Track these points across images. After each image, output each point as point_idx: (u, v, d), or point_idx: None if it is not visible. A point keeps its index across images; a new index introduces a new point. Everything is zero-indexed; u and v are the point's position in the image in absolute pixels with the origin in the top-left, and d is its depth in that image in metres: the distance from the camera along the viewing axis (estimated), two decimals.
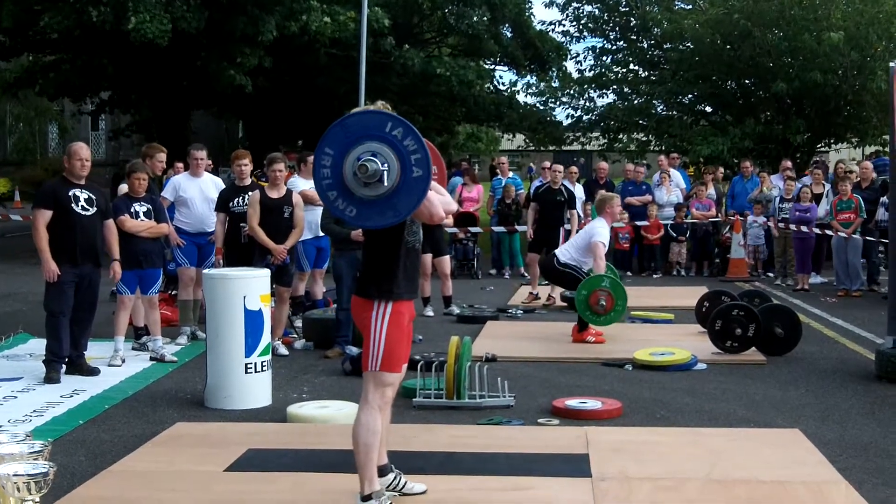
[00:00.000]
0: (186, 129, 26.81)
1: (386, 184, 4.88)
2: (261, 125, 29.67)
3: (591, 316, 10.66)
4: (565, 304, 13.56)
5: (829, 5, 22.29)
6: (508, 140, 35.98)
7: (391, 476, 5.56)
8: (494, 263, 18.85)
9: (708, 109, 26.82)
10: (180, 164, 12.65)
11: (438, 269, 12.68)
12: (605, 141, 27.37)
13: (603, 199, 11.64)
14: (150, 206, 9.99)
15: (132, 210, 9.86)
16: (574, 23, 28.25)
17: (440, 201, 5.40)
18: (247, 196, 10.43)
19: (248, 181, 10.81)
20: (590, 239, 11.17)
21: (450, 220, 11.10)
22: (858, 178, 16.17)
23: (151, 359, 9.96)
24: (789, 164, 19.18)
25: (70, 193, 8.93)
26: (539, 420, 7.60)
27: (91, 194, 9.06)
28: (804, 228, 15.70)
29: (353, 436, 5.22)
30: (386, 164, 4.87)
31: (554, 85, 29.10)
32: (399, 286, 5.24)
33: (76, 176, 9.03)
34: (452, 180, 18.61)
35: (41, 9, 20.92)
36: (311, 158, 12.66)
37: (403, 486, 5.58)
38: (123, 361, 9.73)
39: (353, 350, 9.72)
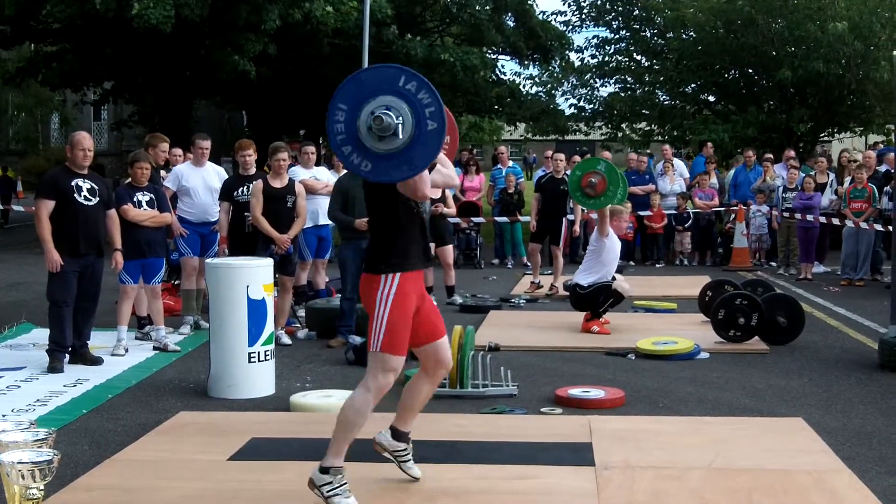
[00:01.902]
0: (189, 119, 26.80)
1: (401, 137, 4.86)
2: (264, 115, 29.62)
3: (581, 197, 10.58)
4: (568, 293, 13.55)
5: None
6: (509, 132, 35.97)
7: (403, 445, 5.61)
8: (497, 253, 18.85)
9: (711, 98, 26.80)
10: (179, 151, 12.59)
11: (441, 259, 12.69)
12: (608, 131, 27.36)
13: (612, 210, 11.55)
14: (152, 196, 9.99)
15: (135, 199, 9.86)
16: (576, 12, 28.22)
17: (443, 175, 5.44)
18: (251, 185, 10.43)
19: (252, 171, 10.81)
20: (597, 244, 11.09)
21: (453, 210, 11.14)
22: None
23: (155, 348, 9.97)
24: (792, 153, 19.16)
25: (72, 183, 8.92)
26: (542, 409, 7.60)
27: (93, 184, 9.06)
28: (809, 217, 15.68)
29: (341, 413, 5.25)
30: (400, 118, 4.85)
31: (556, 74, 29.08)
32: (408, 257, 5.25)
33: (78, 166, 9.02)
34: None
35: None
36: (310, 148, 12.76)
37: (407, 461, 5.63)
38: (127, 351, 9.74)
39: (357, 339, 9.73)
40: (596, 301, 10.86)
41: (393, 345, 5.19)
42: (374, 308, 5.21)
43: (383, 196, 5.22)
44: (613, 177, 10.65)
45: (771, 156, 19.03)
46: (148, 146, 11.28)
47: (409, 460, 5.65)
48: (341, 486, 5.21)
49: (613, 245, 11.09)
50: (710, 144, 20.46)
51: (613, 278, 10.95)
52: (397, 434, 5.61)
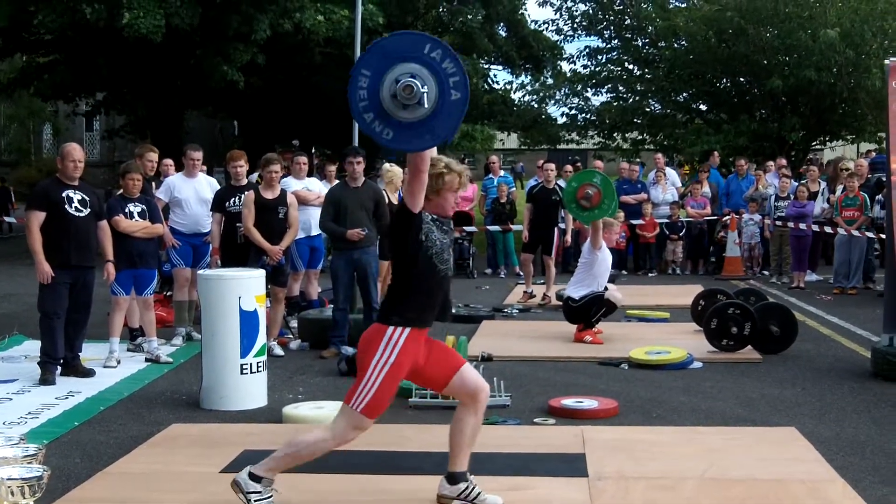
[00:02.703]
0: (181, 129, 26.81)
1: (426, 106, 4.78)
2: (255, 124, 29.67)
3: (576, 209, 10.59)
4: (561, 303, 13.56)
5: (825, 3, 22.32)
6: (501, 141, 36.01)
7: (463, 485, 5.40)
8: (489, 263, 18.85)
9: (703, 107, 26.86)
10: (169, 161, 12.55)
11: None
12: (600, 140, 27.39)
13: (605, 223, 11.56)
14: (144, 207, 9.97)
15: (126, 210, 9.84)
16: (568, 21, 28.29)
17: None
18: (242, 196, 10.42)
19: (243, 182, 10.80)
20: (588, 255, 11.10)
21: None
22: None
23: (147, 360, 9.94)
24: (784, 162, 19.20)
25: (63, 194, 8.90)
26: (535, 419, 7.59)
27: (84, 195, 9.04)
28: (801, 226, 15.70)
29: (297, 438, 5.28)
30: (426, 87, 4.77)
31: (548, 83, 29.13)
32: (426, 314, 5.18)
33: (69, 177, 9.00)
34: None
35: (35, 9, 20.91)
36: (302, 158, 12.76)
37: (477, 497, 5.41)
38: (119, 362, 9.71)
39: (349, 350, 9.71)
40: (588, 312, 10.85)
41: (373, 411, 5.13)
42: (370, 366, 5.09)
43: (408, 250, 5.12)
44: (609, 190, 10.69)
45: (772, 163, 19.05)
46: (137, 157, 11.27)
47: (480, 493, 5.42)
48: (268, 498, 5.25)
49: (605, 257, 11.09)
50: (716, 154, 20.47)
51: (606, 288, 10.94)
52: (454, 478, 5.40)
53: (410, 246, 5.10)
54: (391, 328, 5.11)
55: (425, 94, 4.75)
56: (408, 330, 5.11)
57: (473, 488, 5.41)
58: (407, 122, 4.83)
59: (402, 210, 5.11)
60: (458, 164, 5.26)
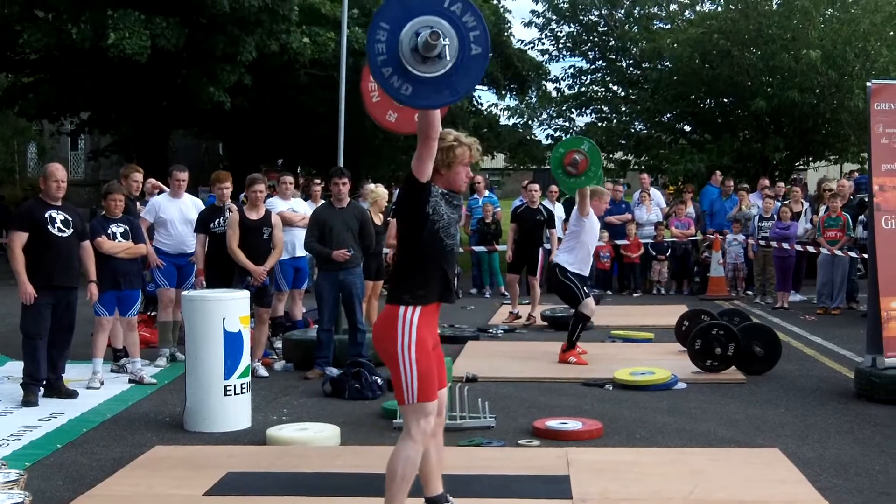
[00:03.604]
0: (166, 149, 26.77)
1: (447, 59, 4.67)
2: (241, 145, 29.64)
3: (563, 175, 10.54)
4: (546, 323, 13.58)
5: (807, 24, 22.46)
6: (485, 160, 35.99)
7: None
8: (475, 282, 18.86)
9: (687, 128, 26.96)
10: (152, 181, 12.47)
11: None
12: None
13: (593, 191, 11.63)
14: (127, 227, 9.95)
15: (109, 231, 9.83)
16: (553, 42, 28.39)
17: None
18: (226, 216, 10.42)
19: (228, 203, 10.80)
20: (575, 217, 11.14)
21: None
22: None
23: (130, 381, 9.91)
24: (767, 182, 19.28)
25: (46, 215, 8.90)
26: (520, 441, 7.58)
27: (67, 215, 9.03)
28: (785, 246, 15.75)
29: (391, 467, 5.03)
30: (447, 39, 4.64)
31: (533, 104, 29.20)
32: (434, 290, 5.10)
33: (52, 197, 9.00)
34: None
35: (21, 28, 20.91)
36: (288, 178, 12.78)
37: None
38: (102, 384, 9.68)
39: (334, 371, 9.70)
40: (565, 295, 10.99)
41: (428, 392, 5.02)
42: (397, 355, 4.99)
43: (414, 222, 5.03)
44: (596, 157, 10.65)
45: (767, 182, 19.14)
46: (122, 177, 11.27)
47: None
48: None
49: (593, 224, 11.13)
50: (718, 173, 20.51)
51: (587, 294, 10.97)
52: (434, 502, 5.38)
53: (417, 218, 5.02)
54: (403, 308, 5.03)
55: (447, 47, 4.63)
56: (419, 308, 5.04)
57: None
58: (427, 77, 4.70)
59: (410, 180, 5.00)
60: (466, 136, 5.18)
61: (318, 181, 14.13)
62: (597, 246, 17.37)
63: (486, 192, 19.97)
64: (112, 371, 10.38)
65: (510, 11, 43.99)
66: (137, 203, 11.47)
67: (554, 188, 17.79)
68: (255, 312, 9.90)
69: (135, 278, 10.09)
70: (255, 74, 22.63)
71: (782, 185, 19.46)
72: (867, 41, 21.75)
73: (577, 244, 11.01)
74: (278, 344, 11.40)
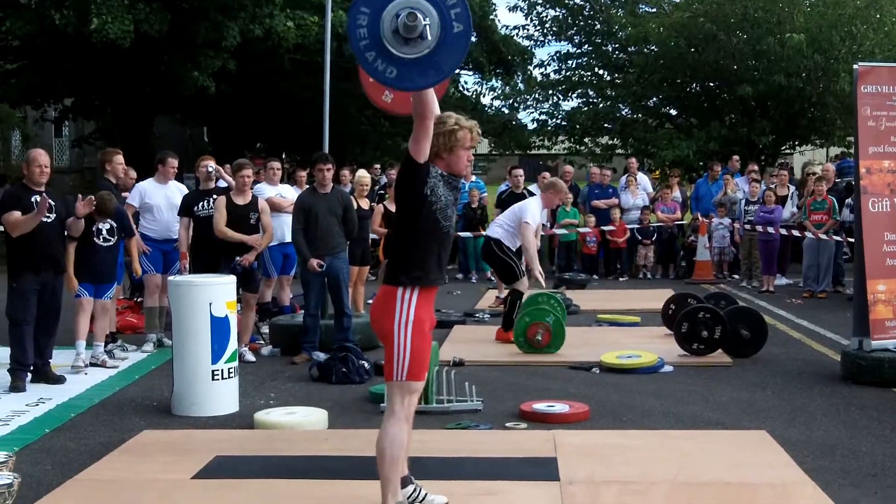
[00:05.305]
0: (150, 135, 26.70)
1: (429, 39, 4.63)
2: (225, 131, 29.56)
3: (524, 343, 10.48)
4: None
5: (792, 8, 22.48)
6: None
7: (411, 488, 5.41)
8: (461, 268, 18.85)
9: (673, 112, 26.96)
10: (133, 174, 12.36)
11: None
12: (571, 145, 27.44)
13: (552, 183, 11.67)
14: (112, 224, 9.88)
15: (94, 228, 9.75)
16: (539, 27, 28.34)
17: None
18: (211, 200, 10.42)
19: (212, 185, 10.80)
20: (520, 219, 11.15)
21: None
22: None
23: (91, 364, 9.84)
24: (754, 166, 19.31)
25: (32, 200, 8.86)
26: (507, 424, 7.58)
27: (51, 201, 8.99)
28: (770, 230, 15.78)
29: (379, 448, 5.06)
30: (427, 19, 4.61)
31: (519, 88, 29.17)
32: (430, 272, 5.11)
33: (35, 183, 8.96)
34: None
35: (3, 15, 20.80)
36: (276, 164, 12.75)
37: (424, 499, 5.42)
38: (86, 365, 9.67)
39: (320, 356, 9.70)
40: (501, 271, 11.44)
41: (418, 372, 5.08)
42: (393, 332, 5.04)
43: (411, 203, 5.03)
44: (559, 332, 10.48)
45: (755, 166, 19.19)
46: (103, 163, 11.04)
47: (425, 494, 5.43)
48: (423, 499, 5.36)
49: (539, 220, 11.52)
50: (657, 172, 20.53)
51: (523, 273, 11.14)
52: (401, 483, 5.32)
53: (414, 199, 5.02)
54: (401, 288, 5.06)
55: (427, 27, 4.61)
56: (417, 289, 5.07)
57: (419, 489, 5.44)
58: (410, 58, 4.68)
59: (408, 161, 4.99)
60: (467, 119, 5.18)
61: (302, 172, 14.17)
62: (582, 231, 17.54)
63: (473, 178, 19.94)
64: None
65: None
66: (121, 193, 11.33)
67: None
68: (243, 297, 9.90)
69: (115, 270, 10.10)
70: (239, 60, 22.57)
71: (755, 167, 19.44)
72: (853, 24, 21.76)
73: (517, 232, 11.13)
74: (265, 329, 11.38)
